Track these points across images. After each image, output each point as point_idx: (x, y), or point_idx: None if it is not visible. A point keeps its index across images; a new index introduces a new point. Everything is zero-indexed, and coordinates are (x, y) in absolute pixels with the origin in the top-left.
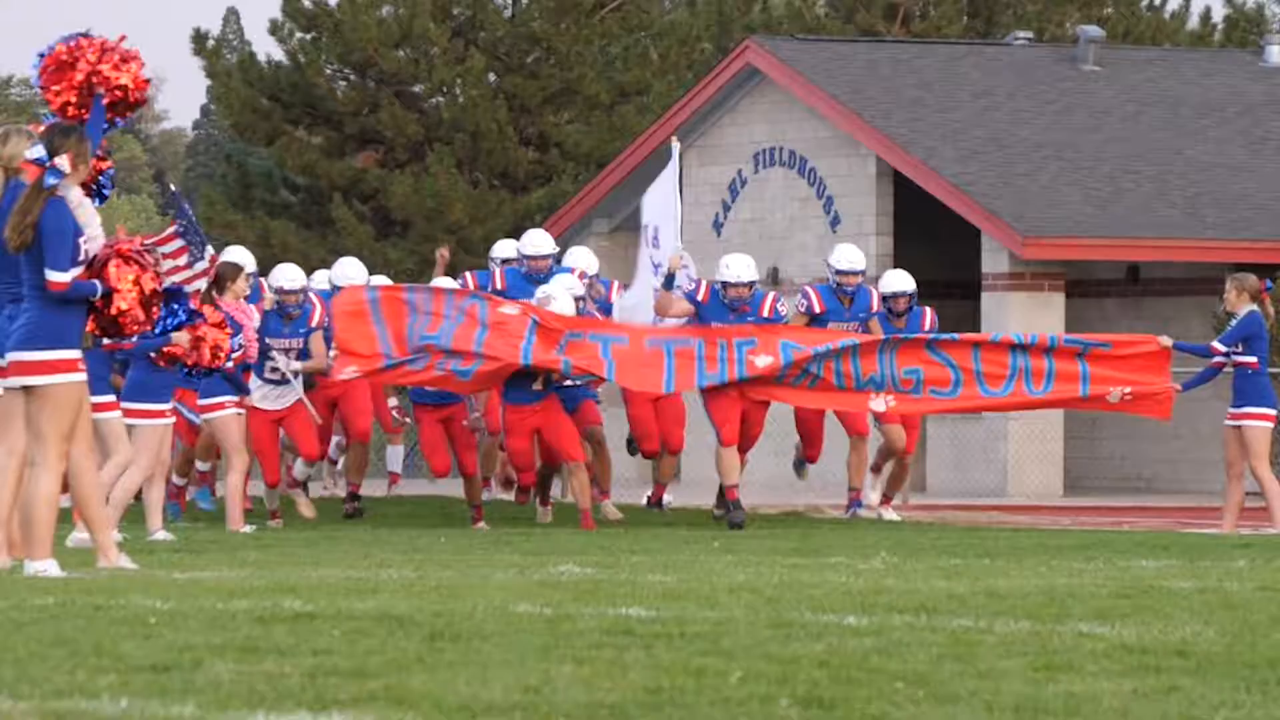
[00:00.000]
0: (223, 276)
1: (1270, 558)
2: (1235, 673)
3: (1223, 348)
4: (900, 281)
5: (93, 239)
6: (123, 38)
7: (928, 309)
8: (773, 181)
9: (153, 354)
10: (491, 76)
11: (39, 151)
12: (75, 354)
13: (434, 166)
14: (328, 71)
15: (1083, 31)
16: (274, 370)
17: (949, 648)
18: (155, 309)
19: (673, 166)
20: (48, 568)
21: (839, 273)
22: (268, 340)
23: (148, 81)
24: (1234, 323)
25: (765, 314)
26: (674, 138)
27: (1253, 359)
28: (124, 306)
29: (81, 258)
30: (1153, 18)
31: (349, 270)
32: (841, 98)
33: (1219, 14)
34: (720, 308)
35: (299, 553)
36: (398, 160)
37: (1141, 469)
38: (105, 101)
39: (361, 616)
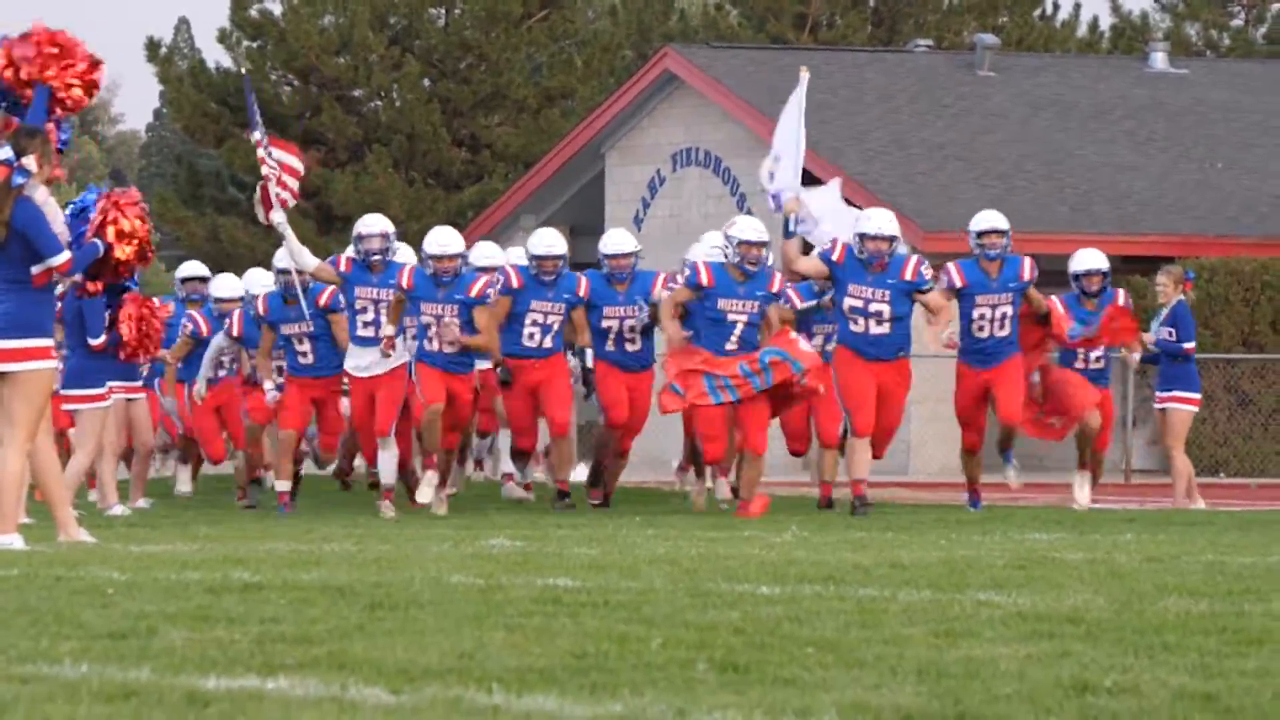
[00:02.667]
0: None
1: (1155, 531)
2: (1123, 638)
3: (1188, 345)
4: (1092, 259)
5: (59, 235)
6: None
7: (1121, 290)
8: (689, 180)
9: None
10: (426, 82)
11: (6, 152)
12: (49, 342)
13: (372, 166)
14: (273, 77)
15: (979, 39)
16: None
17: (856, 615)
18: (150, 255)
19: (800, 95)
20: (12, 541)
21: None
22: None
23: (96, 86)
24: (1164, 311)
25: (908, 277)
26: (804, 68)
27: (1190, 344)
28: (122, 257)
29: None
30: (1045, 26)
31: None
32: (754, 101)
33: (1106, 22)
34: (858, 267)
35: (248, 527)
36: (338, 160)
37: (1036, 447)
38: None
39: (306, 587)
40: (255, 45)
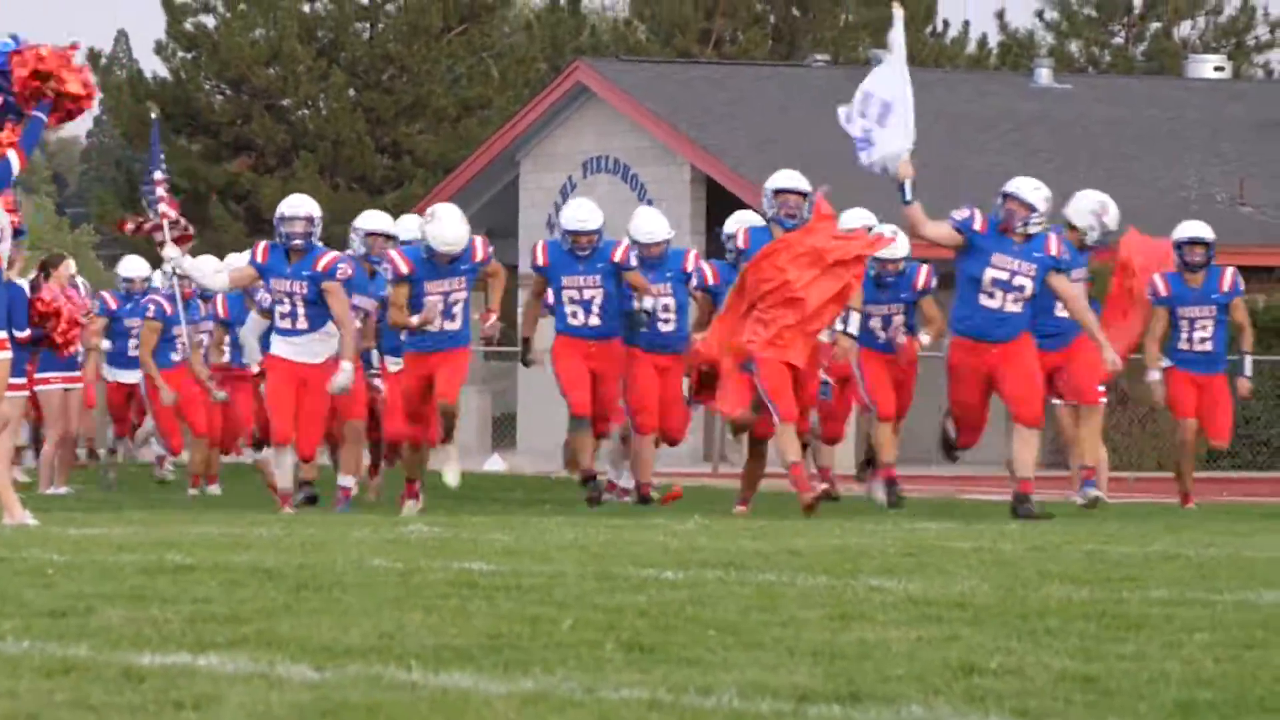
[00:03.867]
0: (48, 264)
1: (1039, 521)
2: (1008, 623)
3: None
4: (1195, 229)
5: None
6: (74, 47)
7: (1229, 268)
8: (599, 186)
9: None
10: (351, 92)
11: None
12: (3, 334)
13: (300, 171)
14: (206, 86)
15: (874, 55)
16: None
17: (755, 599)
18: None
19: (899, 41)
20: None
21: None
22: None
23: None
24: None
25: (1054, 253)
26: (896, 4)
27: None
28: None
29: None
30: (936, 43)
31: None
32: (660, 112)
33: (994, 40)
34: (1001, 236)
35: (180, 512)
36: (268, 165)
37: (926, 441)
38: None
39: (236, 569)
40: (190, 56)
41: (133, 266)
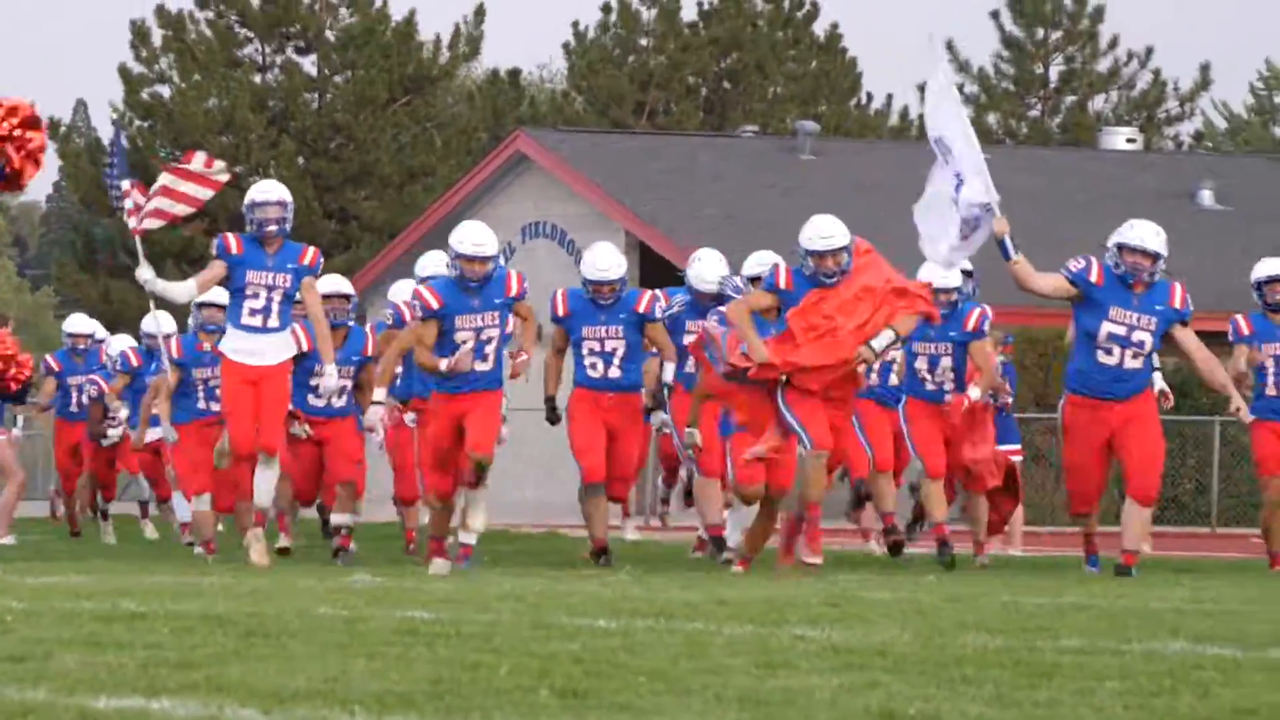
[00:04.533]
0: None
1: (956, 573)
2: (926, 670)
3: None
4: (1274, 266)
5: None
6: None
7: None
8: (538, 251)
9: None
10: (300, 159)
11: None
12: None
13: None
14: (161, 154)
15: (800, 126)
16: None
17: (684, 647)
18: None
19: (947, 83)
20: None
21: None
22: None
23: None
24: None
25: (1177, 306)
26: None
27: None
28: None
29: None
30: (860, 114)
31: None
32: (597, 180)
33: (915, 111)
34: (1119, 288)
35: (137, 561)
36: (221, 230)
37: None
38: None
39: (187, 616)
40: (146, 125)
41: (78, 323)
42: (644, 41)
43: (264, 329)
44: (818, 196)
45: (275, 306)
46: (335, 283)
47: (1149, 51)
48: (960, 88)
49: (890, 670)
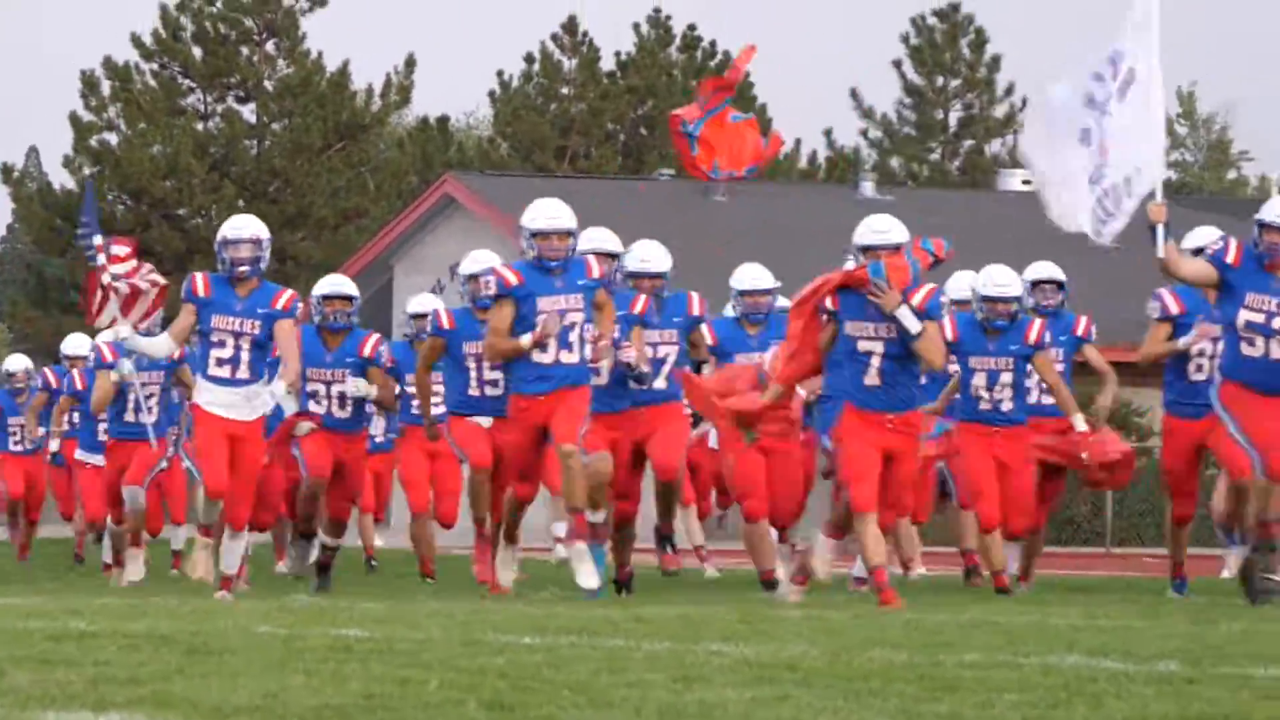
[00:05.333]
0: None
1: (866, 594)
2: (834, 684)
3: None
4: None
5: None
6: None
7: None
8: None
9: None
10: (240, 202)
11: None
12: None
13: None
14: (109, 198)
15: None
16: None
17: (605, 662)
18: None
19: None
20: None
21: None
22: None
23: None
24: None
25: None
26: None
27: None
28: None
29: None
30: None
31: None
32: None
33: (823, 155)
34: (1258, 271)
35: (83, 583)
36: (165, 270)
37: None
38: None
39: (134, 634)
40: (95, 170)
41: (16, 363)
42: (565, 90)
43: (232, 380)
44: (731, 237)
45: (245, 355)
46: (337, 283)
47: None
48: (864, 133)
49: (800, 684)
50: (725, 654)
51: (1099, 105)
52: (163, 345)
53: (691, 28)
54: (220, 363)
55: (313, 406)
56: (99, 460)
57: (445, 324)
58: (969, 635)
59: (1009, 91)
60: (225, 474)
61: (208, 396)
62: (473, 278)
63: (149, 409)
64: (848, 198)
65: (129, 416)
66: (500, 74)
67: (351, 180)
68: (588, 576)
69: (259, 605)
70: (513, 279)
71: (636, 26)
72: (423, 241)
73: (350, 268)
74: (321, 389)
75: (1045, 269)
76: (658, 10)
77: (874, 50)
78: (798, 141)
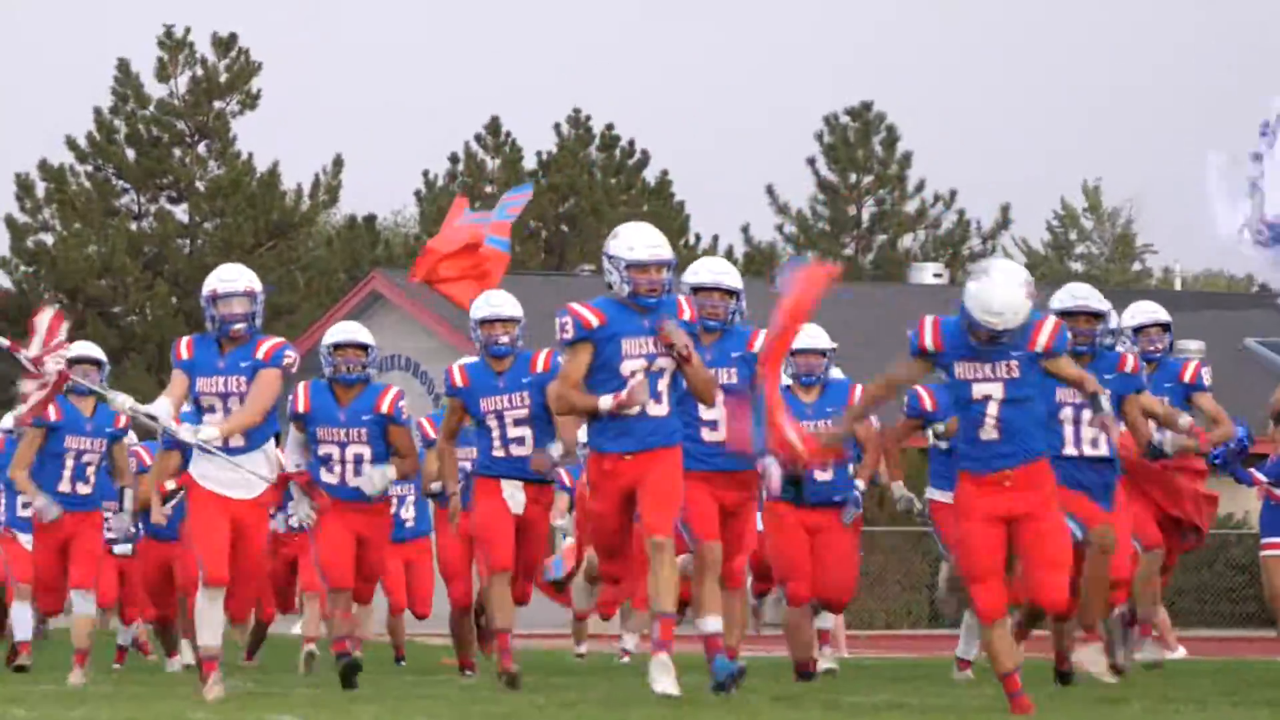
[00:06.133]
0: None
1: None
2: None
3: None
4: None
5: None
6: None
7: None
8: (393, 381)
9: None
10: (174, 299)
11: None
12: None
13: (129, 370)
14: (45, 296)
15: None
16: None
17: None
18: None
19: None
20: None
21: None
22: None
23: None
24: None
25: None
26: None
27: None
28: None
29: None
30: (689, 253)
31: None
32: (446, 316)
33: (740, 250)
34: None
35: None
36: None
37: None
38: None
39: None
40: (31, 270)
41: None
42: (489, 188)
43: (226, 449)
44: None
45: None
46: (349, 331)
47: (953, 194)
48: (780, 229)
49: None
50: None
51: (1262, 156)
52: (162, 408)
53: (610, 127)
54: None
55: (324, 476)
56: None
57: (459, 381)
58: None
59: (920, 188)
60: (225, 559)
61: (199, 469)
62: (486, 322)
63: (87, 479)
64: (764, 292)
65: (64, 486)
66: (426, 173)
67: (282, 277)
68: (669, 685)
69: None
70: (593, 320)
71: (557, 126)
72: None
73: None
74: (335, 452)
75: (1149, 310)
76: (578, 110)
77: (789, 147)
78: (715, 237)
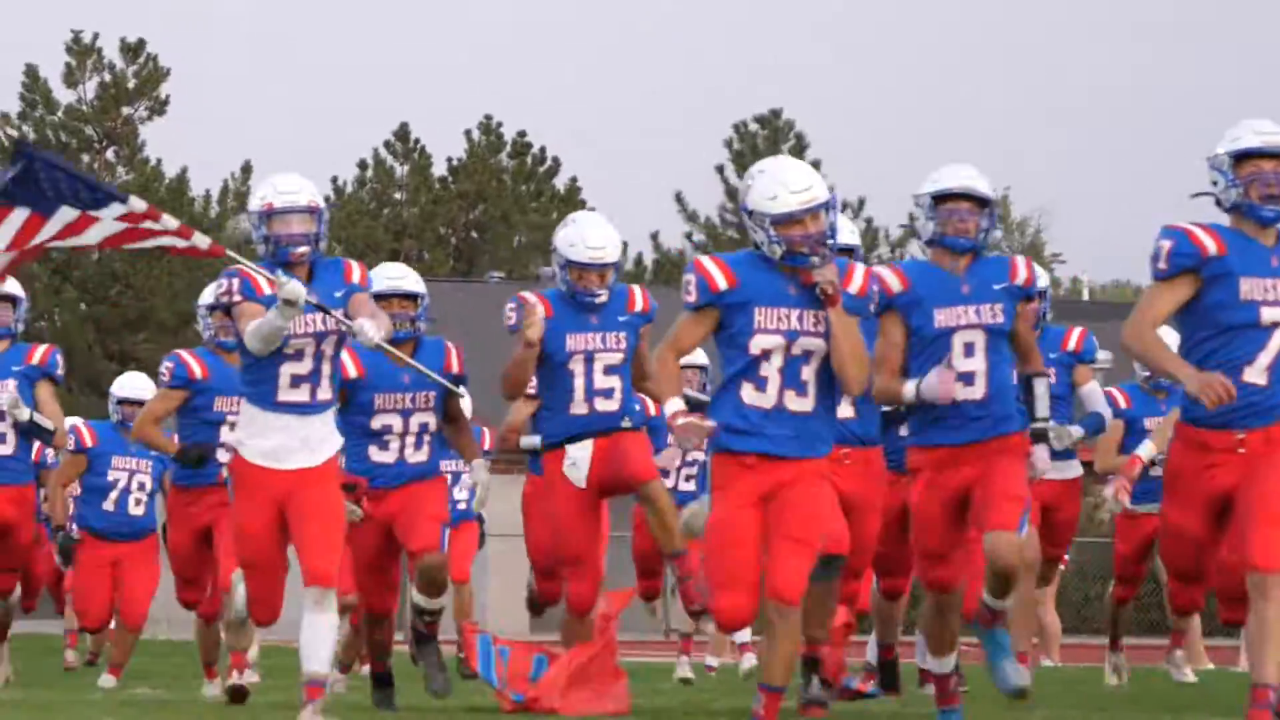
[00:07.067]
0: None
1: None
2: None
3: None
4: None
5: None
6: None
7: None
8: None
9: None
10: (82, 306)
11: None
12: None
13: None
14: None
15: (543, 271)
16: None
17: None
18: None
19: None
20: None
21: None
22: None
23: None
24: None
25: None
26: None
27: None
28: None
29: None
30: None
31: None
32: None
33: (649, 258)
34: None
35: None
36: None
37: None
38: None
39: None
40: None
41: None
42: (398, 195)
43: (306, 406)
44: None
45: (325, 366)
46: (395, 277)
47: (861, 202)
48: (689, 236)
49: None
50: None
51: None
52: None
53: (521, 134)
54: (296, 381)
55: (375, 454)
56: None
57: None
58: None
59: None
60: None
61: (257, 440)
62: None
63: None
64: (674, 298)
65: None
66: (335, 180)
67: (191, 283)
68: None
69: (106, 699)
70: (722, 282)
71: (468, 133)
72: None
73: None
74: (396, 423)
75: None
76: (488, 117)
77: (698, 155)
78: (625, 244)
